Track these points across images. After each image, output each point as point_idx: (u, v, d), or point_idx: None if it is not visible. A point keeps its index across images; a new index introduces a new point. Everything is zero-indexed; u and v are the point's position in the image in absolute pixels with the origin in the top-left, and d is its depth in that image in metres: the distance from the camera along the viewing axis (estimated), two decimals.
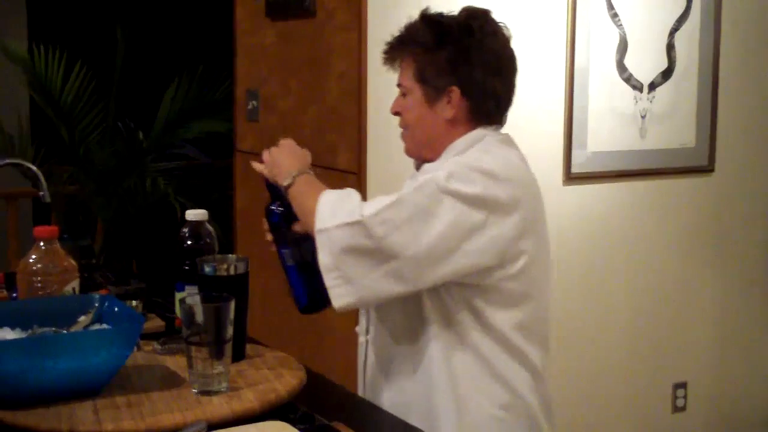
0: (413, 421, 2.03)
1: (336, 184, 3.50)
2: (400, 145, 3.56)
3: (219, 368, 1.90)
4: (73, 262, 2.25)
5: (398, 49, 2.28)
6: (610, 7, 3.79)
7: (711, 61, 4.04)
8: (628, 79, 3.86)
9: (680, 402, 4.16)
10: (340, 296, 2.08)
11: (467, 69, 2.20)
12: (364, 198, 3.35)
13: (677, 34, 3.95)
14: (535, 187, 2.24)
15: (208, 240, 2.31)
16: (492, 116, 2.27)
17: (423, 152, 2.30)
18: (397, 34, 2.30)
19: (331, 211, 2.09)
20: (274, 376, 2.02)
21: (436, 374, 2.17)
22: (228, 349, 1.91)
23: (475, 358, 2.16)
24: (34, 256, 2.20)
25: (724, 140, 4.11)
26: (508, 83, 2.30)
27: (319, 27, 3.62)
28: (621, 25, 3.82)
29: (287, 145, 2.32)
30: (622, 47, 3.84)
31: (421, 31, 2.24)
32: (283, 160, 2.27)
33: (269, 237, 2.30)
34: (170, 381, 1.98)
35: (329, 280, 2.07)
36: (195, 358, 1.90)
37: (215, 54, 5.09)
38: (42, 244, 2.20)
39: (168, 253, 2.42)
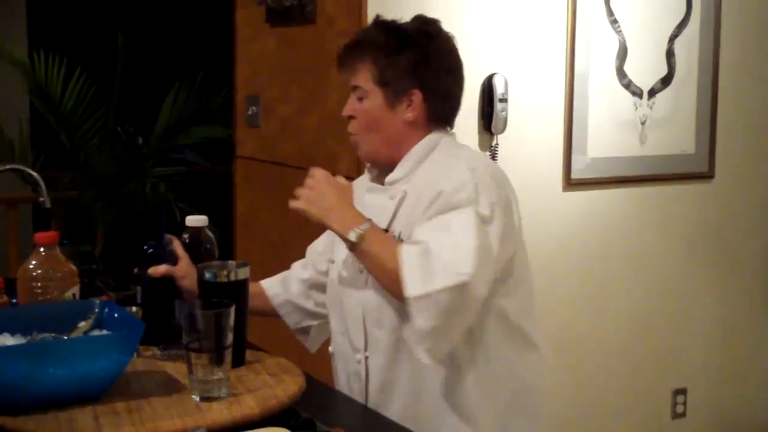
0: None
1: None
2: None
3: (219, 374, 1.90)
4: (74, 268, 2.25)
5: (357, 53, 2.28)
6: (610, 13, 3.79)
7: (711, 68, 4.04)
8: (628, 85, 3.86)
9: (680, 408, 4.16)
10: (437, 354, 2.08)
11: (428, 72, 2.25)
12: None
13: (677, 41, 3.95)
14: (504, 176, 2.28)
15: (208, 246, 2.32)
16: (449, 118, 2.33)
17: (380, 156, 2.30)
18: (351, 40, 2.32)
19: (423, 274, 2.02)
20: (275, 382, 2.02)
21: (456, 382, 2.18)
22: (228, 355, 1.92)
23: (493, 355, 2.18)
24: (34, 262, 2.20)
25: (723, 146, 4.11)
26: (461, 86, 2.35)
27: (320, 33, 3.62)
28: (621, 31, 3.82)
29: (325, 179, 2.23)
30: (622, 53, 3.84)
31: (380, 35, 2.27)
32: (328, 201, 2.18)
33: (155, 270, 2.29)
34: (170, 387, 1.98)
35: (427, 342, 2.04)
36: (195, 364, 1.90)
37: (215, 60, 5.09)
38: (42, 249, 2.21)
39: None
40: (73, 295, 2.23)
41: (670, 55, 3.95)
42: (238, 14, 4.17)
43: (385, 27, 2.29)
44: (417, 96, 2.25)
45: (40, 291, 2.19)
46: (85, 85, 5.78)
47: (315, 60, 3.67)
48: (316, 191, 2.19)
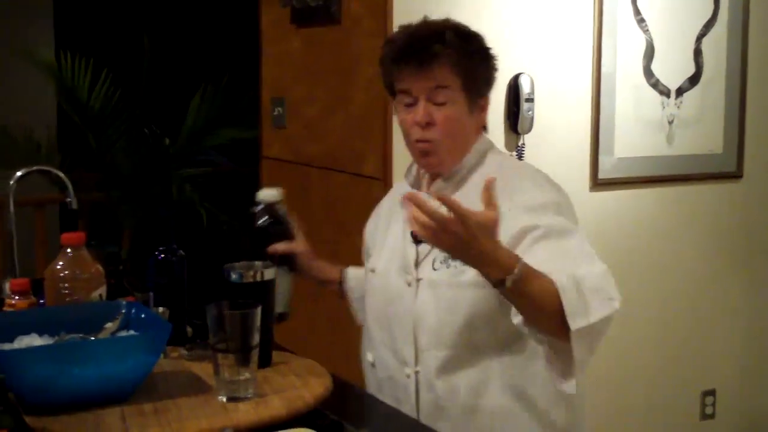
0: None
1: (361, 191, 3.52)
2: None
3: (245, 375, 1.90)
4: (100, 269, 2.25)
5: (440, 56, 2.14)
6: (637, 12, 3.77)
7: (738, 67, 4.02)
8: (655, 84, 3.84)
9: (709, 410, 4.14)
10: (581, 381, 2.04)
11: (494, 78, 2.26)
12: None
13: (704, 40, 3.93)
14: None
15: (283, 222, 2.38)
16: None
17: (453, 164, 2.23)
18: (414, 31, 2.22)
19: (583, 306, 1.92)
20: (301, 383, 2.02)
21: (510, 399, 2.16)
22: (254, 355, 1.91)
23: (539, 365, 2.12)
24: (61, 263, 2.21)
25: (752, 146, 4.08)
26: None
27: (345, 34, 3.62)
28: (648, 30, 3.80)
29: (472, 225, 1.81)
30: (649, 53, 3.82)
31: (462, 41, 2.18)
32: (477, 248, 1.83)
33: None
34: (197, 387, 1.98)
35: (581, 372, 1.99)
36: (221, 364, 1.90)
37: (241, 61, 5.10)
38: (69, 250, 2.21)
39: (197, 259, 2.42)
40: (100, 295, 2.23)
41: (697, 54, 3.92)
42: (263, 15, 4.17)
43: (463, 32, 2.22)
44: (487, 103, 2.27)
45: (67, 292, 2.19)
46: (111, 87, 5.80)
47: (340, 60, 3.67)
48: (465, 240, 1.82)
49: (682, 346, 4.05)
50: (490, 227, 1.84)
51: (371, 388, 2.35)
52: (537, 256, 1.95)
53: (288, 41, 4.00)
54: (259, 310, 1.92)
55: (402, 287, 2.23)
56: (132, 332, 2.04)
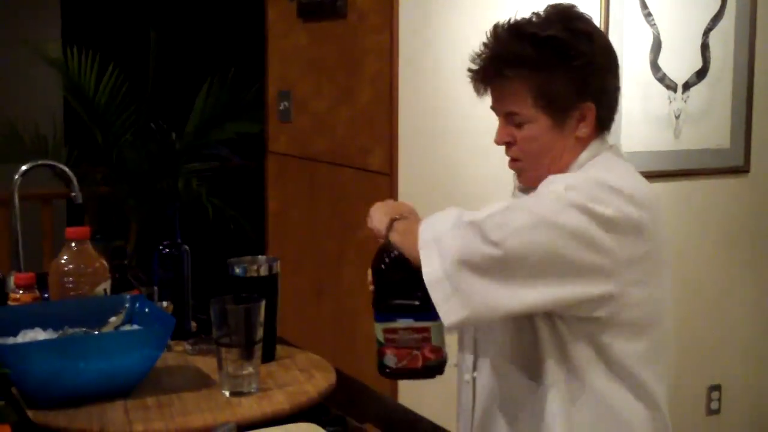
0: None
1: (368, 185, 3.52)
2: (432, 146, 3.56)
3: (249, 369, 1.90)
4: (105, 263, 2.25)
5: (501, 74, 1.98)
6: (644, 6, 3.76)
7: (746, 61, 4.00)
8: (662, 79, 3.83)
9: (714, 405, 4.13)
10: (452, 311, 1.84)
11: (596, 79, 1.99)
12: (395, 198, 3.34)
13: (712, 34, 3.92)
14: (661, 210, 2.08)
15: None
16: (610, 123, 2.08)
17: (546, 175, 2.00)
18: (485, 52, 2.01)
19: (435, 225, 1.88)
20: (305, 378, 2.02)
21: (552, 416, 1.98)
22: (258, 350, 1.91)
23: (594, 395, 1.97)
24: (65, 257, 2.21)
25: (759, 141, 4.07)
26: (619, 81, 2.09)
27: (351, 28, 3.61)
28: (655, 24, 3.79)
29: (381, 204, 2.08)
30: (656, 47, 3.81)
31: (525, 47, 1.97)
32: (374, 214, 2.03)
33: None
34: (200, 382, 1.98)
35: (438, 294, 1.84)
36: (225, 359, 1.90)
37: (247, 55, 5.09)
38: (74, 244, 2.21)
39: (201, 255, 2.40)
40: (105, 290, 2.23)
41: (704, 48, 3.91)
42: (269, 10, 4.17)
43: (528, 36, 1.98)
44: (591, 110, 1.99)
45: (71, 286, 2.19)
46: (118, 82, 5.80)
47: (346, 55, 3.66)
48: (371, 212, 2.05)
49: (688, 341, 4.04)
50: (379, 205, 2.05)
51: (458, 393, 2.24)
52: None
53: (294, 35, 4.00)
54: (262, 304, 1.92)
55: None
56: (136, 327, 2.05)
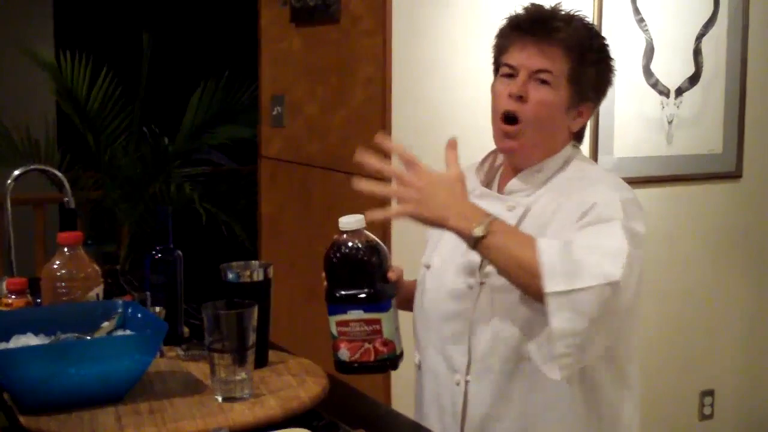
0: None
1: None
2: (425, 149, 3.54)
3: (242, 375, 1.90)
4: (97, 268, 2.25)
5: (557, 37, 2.02)
6: (637, 12, 3.77)
7: (738, 67, 4.01)
8: (655, 84, 3.84)
9: (707, 410, 4.13)
10: (569, 366, 1.88)
11: (604, 90, 2.12)
12: (387, 205, 3.34)
13: (704, 39, 3.92)
14: (641, 206, 2.11)
15: (368, 255, 2.00)
16: (583, 132, 2.19)
17: (531, 158, 2.07)
18: (548, 16, 2.05)
19: (566, 269, 1.83)
20: (297, 383, 2.01)
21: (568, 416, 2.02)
22: (251, 355, 1.91)
23: (600, 394, 2.04)
24: (58, 262, 2.20)
25: (751, 146, 4.08)
26: None
27: (344, 33, 3.62)
28: (647, 30, 3.80)
29: (432, 176, 1.95)
30: (649, 52, 3.81)
31: (585, 34, 2.06)
32: (443, 199, 1.91)
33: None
34: (193, 387, 1.98)
35: (562, 347, 1.84)
36: (217, 364, 1.89)
37: (240, 60, 5.10)
38: (66, 249, 2.21)
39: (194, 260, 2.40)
40: (97, 295, 2.23)
41: (697, 53, 3.92)
42: (262, 14, 4.17)
43: (589, 29, 2.08)
44: (589, 111, 2.11)
45: (63, 291, 2.19)
46: (111, 86, 5.79)
47: (340, 59, 3.66)
48: (425, 192, 1.92)
49: (680, 346, 4.04)
50: (449, 181, 1.92)
51: (417, 391, 2.24)
52: (566, 234, 1.93)
53: (287, 40, 4.00)
54: (255, 309, 1.92)
55: (461, 289, 2.08)
56: (128, 332, 2.04)
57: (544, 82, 2.02)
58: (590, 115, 2.13)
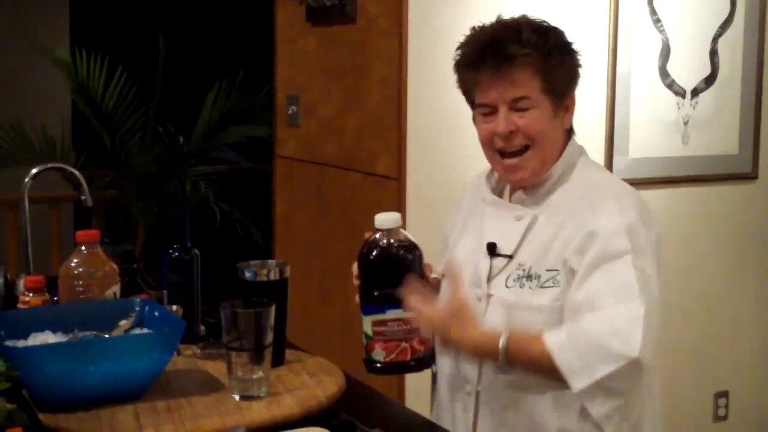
0: None
1: (376, 190, 3.52)
2: (440, 151, 3.55)
3: (259, 373, 1.90)
4: (114, 267, 2.26)
5: (518, 59, 2.02)
6: (653, 12, 3.76)
7: (755, 68, 4.00)
8: (671, 85, 3.83)
9: (722, 411, 4.12)
10: (623, 428, 1.96)
11: (578, 75, 2.13)
12: (402, 206, 3.33)
13: (720, 40, 3.91)
14: (650, 210, 2.17)
15: (406, 252, 1.98)
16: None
17: (541, 172, 2.10)
18: (498, 42, 2.04)
19: (583, 364, 1.87)
20: (314, 382, 2.02)
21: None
22: (268, 354, 1.92)
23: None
24: (75, 260, 2.21)
25: (767, 147, 4.07)
26: None
27: (360, 33, 3.62)
28: (663, 30, 3.79)
29: (433, 316, 1.94)
30: (665, 53, 3.81)
31: (540, 38, 2.05)
32: (453, 336, 1.96)
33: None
34: (210, 386, 1.98)
35: (609, 425, 1.92)
36: (235, 363, 1.90)
37: (256, 59, 5.10)
38: (83, 248, 2.22)
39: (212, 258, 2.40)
40: (114, 293, 2.24)
41: (713, 54, 3.91)
42: (278, 13, 4.17)
43: (541, 28, 2.08)
44: (572, 100, 2.12)
45: (81, 289, 2.20)
46: (126, 85, 5.80)
47: (355, 59, 3.66)
48: (438, 329, 1.97)
49: (695, 347, 4.03)
50: (460, 314, 1.94)
51: (438, 397, 2.25)
52: (582, 288, 1.95)
53: (303, 40, 4.00)
54: (272, 308, 1.92)
55: (472, 302, 2.07)
56: (146, 330, 2.05)
57: (525, 108, 2.04)
58: (575, 102, 2.13)
